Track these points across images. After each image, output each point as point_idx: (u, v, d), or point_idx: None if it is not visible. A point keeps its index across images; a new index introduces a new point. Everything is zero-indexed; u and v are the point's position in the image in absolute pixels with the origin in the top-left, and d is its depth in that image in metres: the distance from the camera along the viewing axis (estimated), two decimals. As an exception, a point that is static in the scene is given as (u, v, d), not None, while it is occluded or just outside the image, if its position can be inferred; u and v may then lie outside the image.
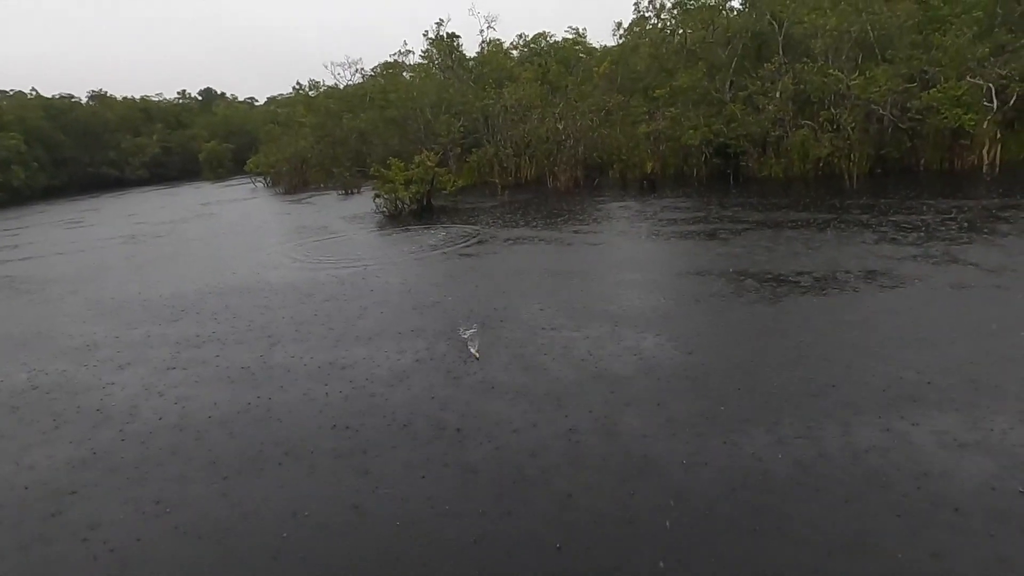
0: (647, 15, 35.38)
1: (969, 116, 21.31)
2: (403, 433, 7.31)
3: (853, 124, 23.24)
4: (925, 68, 22.90)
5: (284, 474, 6.69)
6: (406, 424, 7.51)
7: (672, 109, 28.44)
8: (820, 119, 24.22)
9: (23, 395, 9.79)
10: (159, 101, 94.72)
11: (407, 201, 25.91)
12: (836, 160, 24.06)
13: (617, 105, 31.70)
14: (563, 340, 9.66)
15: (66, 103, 79.80)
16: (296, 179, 46.09)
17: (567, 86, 34.63)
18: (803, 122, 24.90)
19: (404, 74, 48.01)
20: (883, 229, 14.87)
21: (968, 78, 21.83)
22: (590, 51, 45.81)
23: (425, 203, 26.29)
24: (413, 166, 25.84)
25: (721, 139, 26.24)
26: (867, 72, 23.66)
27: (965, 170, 22.69)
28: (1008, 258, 11.67)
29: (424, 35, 46.06)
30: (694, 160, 27.99)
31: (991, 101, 21.71)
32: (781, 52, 26.52)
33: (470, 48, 48.19)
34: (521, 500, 5.83)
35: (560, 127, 30.62)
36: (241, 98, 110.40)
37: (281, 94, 78.97)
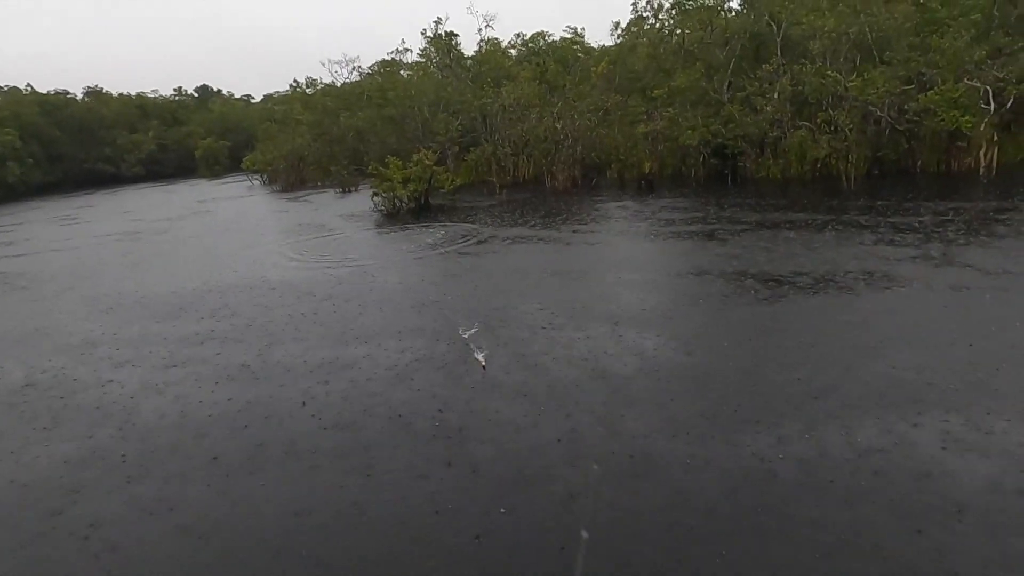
0: (645, 15, 35.44)
1: (966, 118, 21.38)
2: (404, 432, 7.30)
3: (851, 125, 23.30)
4: (923, 70, 22.97)
5: (285, 472, 6.68)
6: (407, 423, 7.51)
7: (670, 109, 28.47)
8: (818, 120, 24.27)
9: (22, 393, 9.74)
10: (155, 98, 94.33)
11: (405, 200, 25.89)
12: (833, 161, 24.12)
13: (615, 105, 31.72)
14: (563, 340, 9.66)
15: (62, 99, 79.44)
16: (293, 177, 45.96)
17: (565, 86, 34.61)
18: (801, 123, 24.95)
19: (402, 72, 47.95)
20: (881, 230, 14.92)
21: (965, 80, 21.91)
22: (588, 51, 45.83)
23: (423, 202, 26.26)
24: (411, 165, 25.82)
25: (719, 140, 26.28)
26: (865, 74, 23.73)
27: (962, 172, 22.77)
28: (1006, 260, 11.73)
29: (422, 33, 45.97)
30: (692, 160, 28.01)
31: (988, 103, 21.80)
32: (779, 53, 26.57)
33: (468, 47, 48.15)
34: (523, 499, 5.83)
35: (558, 127, 30.60)
36: (238, 95, 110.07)
37: (278, 92, 78.61)
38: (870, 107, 23.29)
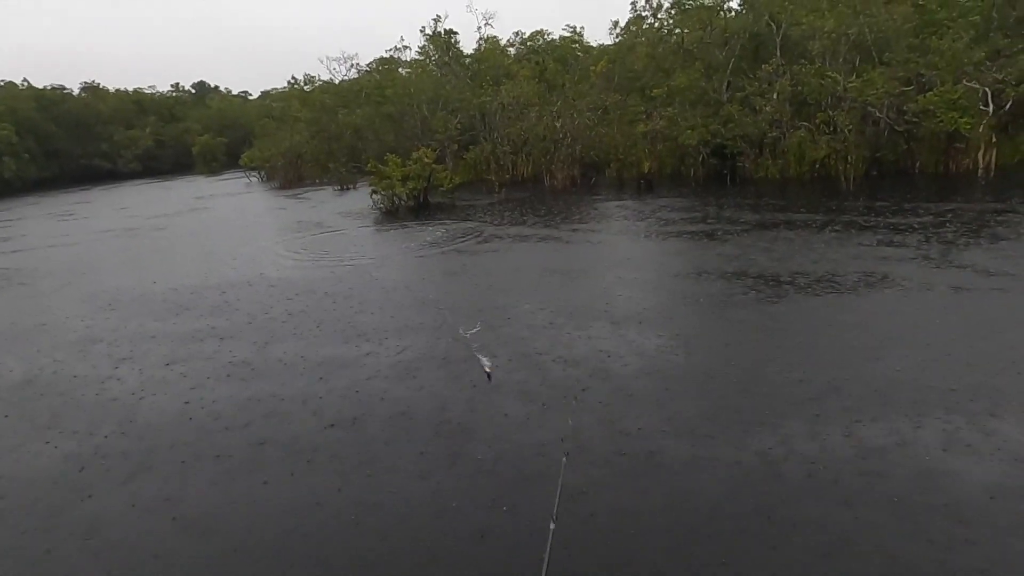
0: (644, 15, 35.43)
1: (965, 120, 21.45)
2: (405, 430, 7.30)
3: (850, 126, 23.35)
4: (922, 71, 23.02)
5: (286, 470, 6.67)
6: (408, 421, 7.51)
7: (669, 109, 28.49)
8: (817, 121, 24.32)
9: (21, 390, 9.71)
10: (152, 94, 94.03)
11: (404, 197, 25.85)
12: (832, 162, 24.18)
13: (614, 104, 31.72)
14: (565, 339, 9.66)
15: (58, 94, 79.13)
16: (291, 174, 45.88)
17: (564, 84, 34.61)
18: (800, 124, 24.99)
19: (400, 70, 47.86)
20: (881, 231, 14.95)
21: (964, 82, 21.97)
22: (587, 50, 45.79)
23: (422, 200, 26.23)
24: (410, 162, 25.79)
25: (718, 140, 26.32)
26: (864, 75, 23.80)
27: (960, 173, 22.84)
28: (1005, 261, 11.76)
29: (421, 31, 45.86)
30: (691, 160, 28.04)
31: (987, 105, 21.88)
32: (779, 53, 26.60)
33: (467, 45, 48.06)
34: (525, 497, 5.83)
35: (557, 125, 30.60)
36: (235, 92, 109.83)
37: (275, 88, 78.46)
38: (869, 108, 23.35)
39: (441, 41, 42.27)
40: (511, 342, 9.71)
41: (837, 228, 15.72)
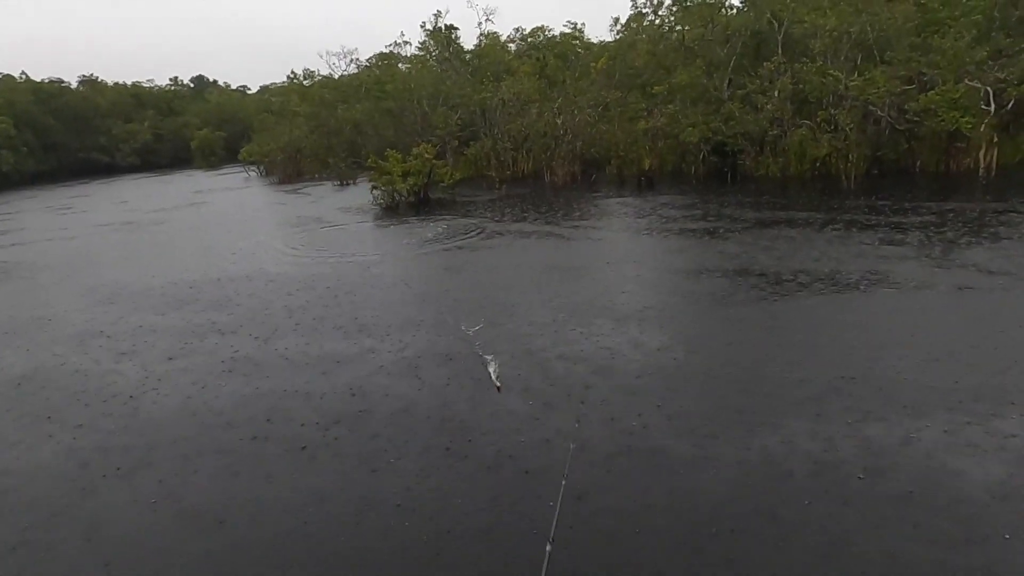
0: (644, 11, 35.37)
1: (966, 119, 21.43)
2: (409, 426, 7.28)
3: (851, 125, 23.32)
4: (923, 70, 22.99)
5: (289, 466, 6.66)
6: (412, 417, 7.49)
7: (670, 106, 28.45)
8: (818, 119, 24.29)
9: (21, 383, 9.68)
10: (150, 87, 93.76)
11: (404, 193, 25.79)
12: (833, 160, 24.15)
13: (615, 101, 31.67)
14: (567, 336, 9.65)
15: (56, 87, 78.86)
16: (290, 169, 45.75)
17: (565, 81, 34.54)
18: (801, 122, 24.96)
19: (400, 66, 47.73)
20: (882, 230, 14.95)
21: (966, 81, 21.94)
22: (588, 46, 45.68)
23: (422, 196, 26.18)
24: (411, 158, 25.73)
25: (719, 137, 26.28)
26: (866, 73, 23.75)
27: (961, 173, 22.83)
28: (1007, 261, 11.76)
29: (421, 26, 45.70)
30: (692, 158, 28.00)
31: (988, 104, 21.85)
32: (780, 51, 26.55)
33: (468, 41, 47.98)
34: (529, 495, 5.82)
35: (558, 122, 30.56)
36: (234, 86, 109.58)
37: (274, 83, 78.37)
38: (870, 106, 23.32)
39: (442, 36, 42.15)
40: (514, 339, 9.70)
41: (838, 227, 15.71)
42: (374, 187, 26.22)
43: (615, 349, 9.00)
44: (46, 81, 78.87)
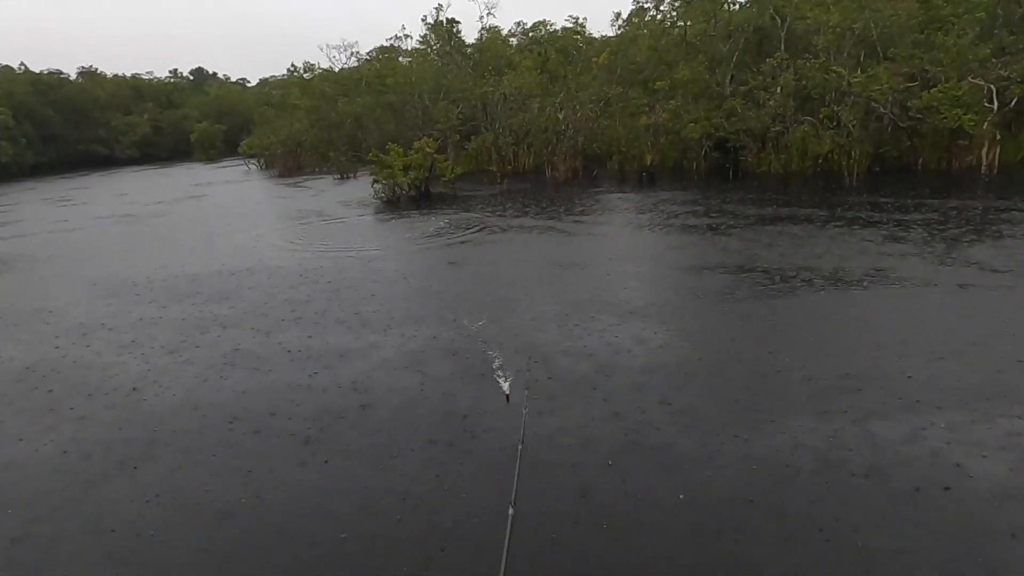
0: (646, 6, 35.28)
1: (969, 116, 21.42)
2: (412, 421, 7.27)
3: (854, 121, 23.29)
4: (926, 67, 22.97)
5: (294, 458, 6.64)
6: (415, 412, 7.47)
7: (672, 102, 28.40)
8: (820, 116, 24.26)
9: (23, 376, 9.65)
10: (150, 79, 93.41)
11: (405, 187, 25.75)
12: (835, 157, 24.14)
13: (616, 96, 31.60)
14: (570, 332, 9.64)
15: (55, 79, 78.45)
16: (291, 162, 45.67)
17: (566, 75, 34.46)
18: (803, 118, 24.93)
19: (401, 59, 47.61)
20: (885, 227, 14.94)
21: (969, 78, 21.91)
22: (589, 41, 45.57)
23: (423, 190, 26.14)
24: (412, 152, 25.67)
25: (721, 133, 26.25)
26: (868, 70, 23.73)
27: (963, 170, 22.82)
28: (1010, 259, 11.76)
29: (423, 20, 45.61)
30: (693, 154, 27.98)
31: (991, 102, 21.82)
32: (783, 47, 26.50)
33: (469, 35, 47.77)
34: (532, 491, 5.81)
35: (559, 117, 30.50)
36: (233, 79, 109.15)
37: (274, 76, 78.02)
38: (873, 103, 23.29)
39: (443, 30, 42.04)
40: (517, 334, 9.68)
41: (840, 224, 15.70)
42: (375, 181, 26.16)
43: (618, 345, 8.99)
44: (45, 72, 78.51)
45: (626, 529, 5.25)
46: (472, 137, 34.86)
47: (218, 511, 5.89)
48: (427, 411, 7.49)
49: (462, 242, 17.05)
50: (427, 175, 26.09)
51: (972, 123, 21.50)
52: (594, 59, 38.13)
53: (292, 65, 58.99)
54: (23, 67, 78.02)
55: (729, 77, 27.83)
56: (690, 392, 7.51)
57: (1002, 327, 8.76)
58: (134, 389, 8.74)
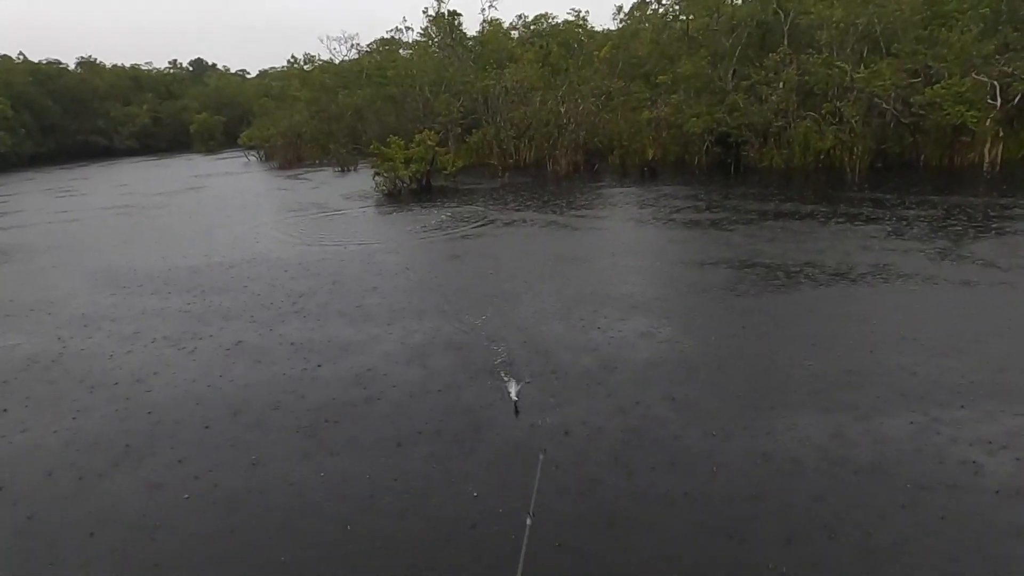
0: (648, 0, 35.14)
1: (972, 113, 21.35)
2: (415, 414, 7.27)
3: (856, 117, 23.23)
4: (929, 63, 22.89)
5: (298, 450, 6.65)
6: (418, 405, 7.48)
7: (674, 96, 28.31)
8: (823, 111, 24.19)
9: (27, 368, 9.63)
10: (149, 70, 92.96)
11: (407, 180, 25.67)
12: (837, 153, 24.09)
13: (618, 90, 31.50)
14: (574, 326, 9.64)
15: (54, 69, 78.10)
16: (291, 154, 45.52)
17: (568, 69, 34.33)
18: (806, 113, 24.86)
19: (402, 51, 47.41)
20: (887, 223, 14.92)
21: (972, 75, 21.84)
22: (591, 34, 45.39)
23: (425, 183, 26.07)
24: (413, 144, 25.59)
25: (723, 128, 26.17)
26: (872, 65, 23.64)
27: (965, 167, 22.78)
28: (1013, 256, 11.75)
29: (424, 12, 45.37)
30: (695, 148, 27.92)
31: (995, 99, 21.75)
32: (786, 42, 26.41)
33: (471, 27, 47.64)
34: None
35: (561, 110, 30.41)
36: (233, 70, 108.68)
37: (274, 67, 77.76)
38: (876, 99, 23.22)
39: (444, 22, 41.85)
40: (520, 328, 9.68)
41: (843, 219, 15.68)
42: (376, 173, 26.07)
43: (622, 340, 8.99)
44: (44, 62, 78.16)
45: (630, 526, 5.25)
46: (473, 130, 34.75)
47: (221, 501, 5.89)
48: (430, 405, 7.48)
49: (464, 235, 17.02)
50: (428, 168, 26.02)
51: (975, 120, 21.43)
52: (596, 53, 37.99)
53: (292, 57, 58.61)
54: (22, 57, 77.74)
55: (731, 72, 27.74)
56: (694, 387, 7.51)
57: (1004, 324, 8.77)
58: (137, 381, 8.73)
